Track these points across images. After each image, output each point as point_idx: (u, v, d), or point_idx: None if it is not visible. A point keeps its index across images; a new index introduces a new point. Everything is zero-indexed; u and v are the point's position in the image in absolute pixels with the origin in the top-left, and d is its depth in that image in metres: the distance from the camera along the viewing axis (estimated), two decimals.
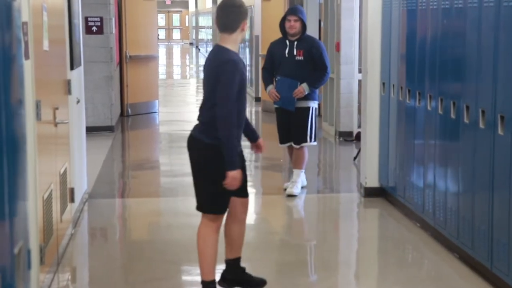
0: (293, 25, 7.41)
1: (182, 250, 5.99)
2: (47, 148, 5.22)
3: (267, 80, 7.72)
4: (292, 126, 7.59)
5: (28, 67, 4.45)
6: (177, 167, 9.61)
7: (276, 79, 7.54)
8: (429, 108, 6.05)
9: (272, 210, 7.67)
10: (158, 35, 38.13)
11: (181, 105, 17.01)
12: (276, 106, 7.71)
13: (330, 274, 5.56)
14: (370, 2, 7.36)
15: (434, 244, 5.96)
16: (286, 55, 7.46)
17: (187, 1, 49.16)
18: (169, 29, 53.08)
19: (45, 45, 5.15)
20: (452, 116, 5.58)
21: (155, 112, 14.51)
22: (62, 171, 5.80)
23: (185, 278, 5.47)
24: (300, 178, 7.65)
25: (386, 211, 7.05)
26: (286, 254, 5.97)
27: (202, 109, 4.75)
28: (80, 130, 7.33)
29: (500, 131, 4.82)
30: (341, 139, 11.04)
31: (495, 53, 4.90)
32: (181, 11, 52.10)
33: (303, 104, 7.50)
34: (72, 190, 6.31)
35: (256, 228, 6.98)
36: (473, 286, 5.12)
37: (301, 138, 7.57)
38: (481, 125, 5.10)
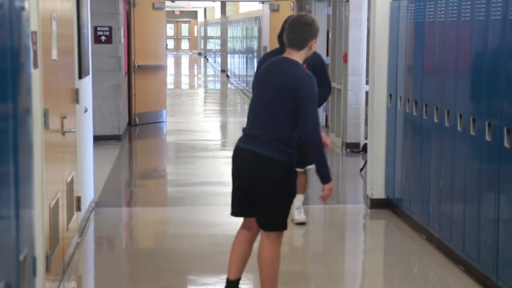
0: None
1: (189, 260, 5.99)
2: (55, 156, 5.23)
3: None
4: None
5: (36, 76, 4.47)
6: (184, 176, 9.63)
7: None
8: (435, 120, 6.05)
9: None
10: (167, 45, 38.22)
11: (189, 115, 17.04)
12: None
13: (336, 285, 5.55)
14: (378, 14, 7.37)
15: (439, 256, 5.95)
16: None
17: (196, 12, 49.30)
18: (177, 39, 53.22)
19: (54, 54, 5.17)
20: (459, 128, 5.58)
21: (163, 121, 14.53)
22: (69, 179, 5.81)
23: (191, 287, 5.46)
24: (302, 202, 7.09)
25: (392, 223, 7.05)
26: (292, 265, 5.96)
27: (263, 123, 4.50)
28: (87, 139, 7.35)
29: (506, 144, 4.82)
30: (348, 150, 11.03)
31: (502, 66, 4.91)
32: (190, 21, 52.23)
33: None
34: (78, 199, 6.32)
35: None
36: None
37: (305, 160, 6.68)
38: (488, 138, 5.10)
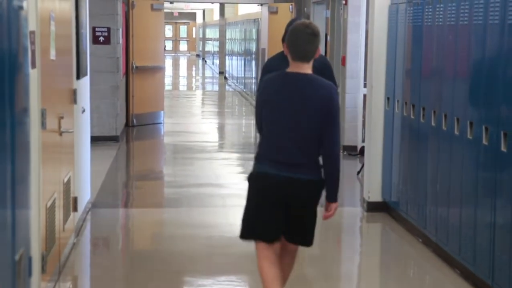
0: None
1: (185, 261, 5.99)
2: (52, 156, 5.23)
3: None
4: None
5: (34, 76, 4.47)
6: (181, 178, 9.62)
7: None
8: (433, 124, 6.06)
9: None
10: (165, 46, 38.21)
11: (186, 116, 17.04)
12: None
13: (330, 285, 5.55)
14: (376, 18, 7.38)
15: (435, 260, 5.95)
16: None
17: (195, 13, 49.29)
18: (176, 40, 53.22)
19: (52, 55, 5.17)
20: (456, 132, 5.59)
21: (160, 123, 14.53)
22: (66, 180, 5.80)
23: None
24: None
25: (389, 226, 7.05)
26: None
27: (292, 146, 4.27)
28: (84, 140, 7.35)
29: (503, 148, 4.82)
30: (345, 153, 11.02)
31: (499, 70, 4.92)
32: (188, 23, 52.24)
33: None
34: (75, 199, 6.32)
35: None
36: None
37: None
38: (485, 142, 5.10)
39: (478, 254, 5.25)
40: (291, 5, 13.94)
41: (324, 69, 6.13)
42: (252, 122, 16.01)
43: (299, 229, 4.44)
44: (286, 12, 14.02)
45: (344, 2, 11.18)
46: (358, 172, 9.39)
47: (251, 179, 4.41)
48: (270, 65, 6.50)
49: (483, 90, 5.20)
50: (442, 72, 5.96)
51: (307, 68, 4.27)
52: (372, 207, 7.43)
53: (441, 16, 5.93)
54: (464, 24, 5.48)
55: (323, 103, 4.21)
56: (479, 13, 5.19)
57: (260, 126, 4.41)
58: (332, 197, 4.42)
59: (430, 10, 6.15)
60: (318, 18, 13.52)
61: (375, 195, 7.39)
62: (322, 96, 4.22)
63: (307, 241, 4.52)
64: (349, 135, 11.04)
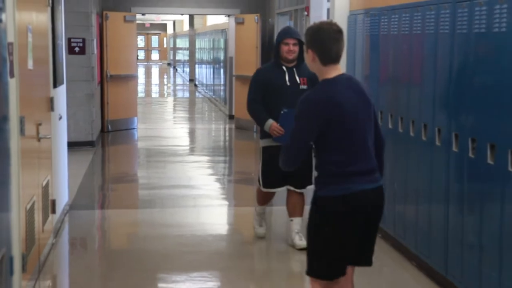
0: (293, 49, 5.98)
1: (158, 259, 5.98)
2: (30, 161, 5.20)
3: (262, 113, 6.01)
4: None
5: (13, 85, 4.44)
6: (154, 180, 9.60)
7: (282, 111, 5.82)
8: (390, 126, 6.12)
9: (244, 221, 7.68)
10: (138, 55, 38.08)
11: (158, 122, 16.98)
12: (275, 143, 5.90)
13: (298, 280, 5.58)
14: None
15: (394, 253, 6.02)
16: (288, 84, 5.98)
17: (166, 24, 49.13)
18: (148, 50, 53.00)
19: (30, 64, 5.14)
20: (412, 134, 5.66)
21: (134, 128, 14.49)
22: (44, 183, 5.77)
23: (161, 285, 5.46)
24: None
25: None
26: (257, 263, 5.99)
27: (366, 153, 3.65)
28: (62, 145, 7.31)
29: (454, 148, 4.90)
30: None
31: (450, 76, 4.99)
32: (159, 33, 52.05)
33: None
34: (53, 202, 6.28)
35: (229, 239, 6.99)
36: None
37: (306, 180, 5.99)
38: (438, 143, 5.18)
39: (432, 247, 5.31)
40: (257, 16, 13.97)
41: (314, 78, 5.38)
42: (222, 126, 16.03)
43: (371, 246, 3.76)
44: (252, 23, 14.04)
45: (306, 13, 11.24)
46: None
47: (332, 205, 3.58)
48: (263, 75, 6.09)
49: (437, 94, 5.26)
50: (398, 79, 6.02)
51: (340, 69, 3.69)
52: None
53: (395, 26, 6.00)
54: (417, 33, 5.56)
55: (372, 103, 3.72)
56: (431, 23, 5.26)
57: (301, 146, 3.65)
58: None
59: (386, 20, 6.22)
60: (283, 27, 13.56)
61: None
62: (367, 92, 3.75)
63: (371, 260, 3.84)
64: None
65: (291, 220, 6.19)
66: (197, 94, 25.48)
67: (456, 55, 4.89)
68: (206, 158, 11.68)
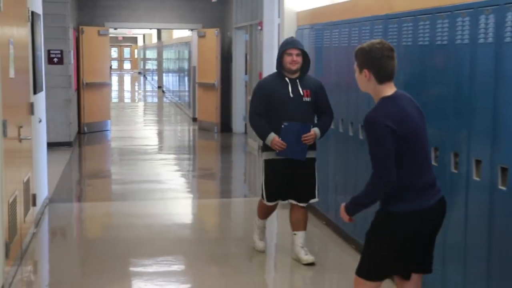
0: (296, 60, 5.23)
1: (129, 246, 5.96)
2: (13, 160, 5.14)
3: (264, 127, 5.26)
4: (298, 181, 5.32)
5: None
6: (126, 176, 9.55)
7: (283, 125, 5.18)
8: (332, 127, 6.19)
9: (206, 212, 7.70)
10: (111, 65, 37.71)
11: (130, 124, 16.87)
12: (278, 157, 5.30)
13: (254, 263, 5.60)
14: None
15: (335, 238, 6.09)
16: (291, 96, 5.22)
17: (136, 37, 48.73)
18: (120, 60, 52.47)
19: (11, 73, 5.09)
20: (350, 134, 5.73)
21: (108, 130, 14.38)
22: (25, 179, 5.71)
23: (132, 269, 5.44)
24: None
25: None
26: (217, 248, 6.00)
27: (430, 166, 3.35)
28: (41, 145, 7.23)
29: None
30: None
31: None
32: (131, 45, 51.58)
33: (310, 154, 5.31)
34: (34, 196, 6.22)
35: (192, 227, 7.00)
36: None
37: (309, 194, 5.38)
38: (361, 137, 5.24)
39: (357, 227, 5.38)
40: (217, 30, 13.96)
41: (318, 90, 5.30)
42: (186, 128, 15.99)
43: (431, 253, 3.42)
44: (213, 36, 14.03)
45: (260, 28, 11.29)
46: None
47: (403, 220, 3.23)
48: (265, 87, 5.30)
49: (367, 98, 5.33)
50: (339, 85, 6.09)
51: (394, 85, 3.35)
52: None
53: (336, 39, 6.06)
54: (355, 45, 5.60)
55: (423, 118, 3.38)
56: (366, 37, 5.33)
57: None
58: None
59: (328, 34, 6.28)
60: (239, 41, 13.60)
61: None
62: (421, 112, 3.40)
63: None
64: None
65: (295, 234, 5.49)
66: (164, 99, 25.35)
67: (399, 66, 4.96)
68: (172, 156, 11.65)
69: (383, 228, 3.31)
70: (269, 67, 11.01)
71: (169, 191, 8.47)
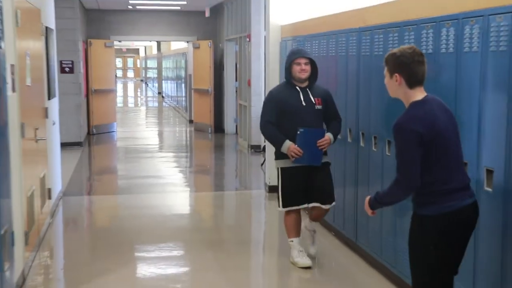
0: (305, 69, 4.80)
1: (134, 234, 5.96)
2: (30, 158, 5.13)
3: (278, 135, 4.77)
4: (316, 185, 4.82)
5: (14, 98, 4.39)
6: (131, 172, 9.53)
7: (298, 131, 4.70)
8: None
9: (201, 203, 7.71)
10: (116, 74, 37.57)
11: (134, 126, 16.81)
12: (294, 164, 4.78)
13: (245, 248, 5.61)
14: (271, 50, 7.51)
15: (318, 227, 6.09)
16: (304, 104, 4.78)
17: (138, 49, 48.60)
18: (124, 69, 52.27)
19: (28, 82, 5.08)
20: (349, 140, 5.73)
21: (114, 131, 14.34)
22: (41, 175, 5.70)
23: (136, 254, 5.44)
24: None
25: None
26: (212, 235, 6.01)
27: (463, 167, 3.03)
28: (55, 145, 7.21)
29: (362, 144, 5.00)
30: (252, 150, 11.14)
31: (357, 88, 5.08)
32: (134, 56, 51.43)
33: (324, 158, 4.86)
34: (49, 190, 6.21)
35: (190, 217, 7.00)
36: (342, 253, 5.28)
37: (330, 196, 4.86)
38: (349, 140, 5.27)
39: (346, 220, 5.40)
40: (210, 42, 13.95)
41: (327, 98, 4.91)
42: (184, 129, 15.96)
43: (462, 256, 3.01)
44: (206, 47, 14.03)
45: (248, 39, 11.30)
46: (262, 164, 9.50)
47: (435, 223, 2.88)
48: (277, 96, 4.84)
49: (348, 102, 5.35)
50: None
51: (424, 90, 3.01)
52: (271, 189, 7.52)
53: (316, 49, 6.08)
54: (332, 55, 5.64)
55: (455, 122, 3.04)
56: (342, 47, 5.35)
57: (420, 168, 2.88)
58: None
59: (308, 45, 6.29)
60: (230, 51, 13.59)
61: (273, 180, 7.46)
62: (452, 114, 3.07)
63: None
64: (255, 137, 11.15)
65: (311, 222, 5.10)
66: (164, 104, 25.29)
67: (362, 72, 5.00)
68: (171, 154, 11.63)
69: (418, 238, 2.94)
70: (256, 74, 11.05)
71: (168, 185, 8.47)
